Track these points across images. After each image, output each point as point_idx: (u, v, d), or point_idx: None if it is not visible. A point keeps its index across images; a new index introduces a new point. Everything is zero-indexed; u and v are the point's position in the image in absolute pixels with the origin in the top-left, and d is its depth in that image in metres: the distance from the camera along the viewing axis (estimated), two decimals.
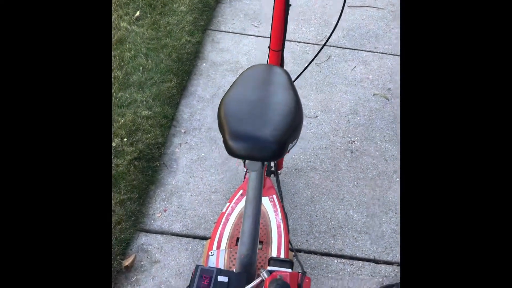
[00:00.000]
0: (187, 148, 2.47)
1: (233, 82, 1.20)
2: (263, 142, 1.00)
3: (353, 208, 2.24)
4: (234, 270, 1.53)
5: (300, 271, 1.36)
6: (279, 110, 1.05)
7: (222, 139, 1.04)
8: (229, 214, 1.79)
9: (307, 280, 1.33)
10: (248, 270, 1.48)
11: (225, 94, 1.14)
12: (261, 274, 1.36)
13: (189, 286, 1.38)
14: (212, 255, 1.61)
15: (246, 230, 1.42)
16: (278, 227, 1.75)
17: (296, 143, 1.11)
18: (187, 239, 2.05)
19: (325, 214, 2.20)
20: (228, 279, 1.38)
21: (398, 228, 2.15)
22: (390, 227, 2.15)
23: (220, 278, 1.38)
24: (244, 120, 1.02)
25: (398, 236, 2.11)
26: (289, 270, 1.36)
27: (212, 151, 2.47)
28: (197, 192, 2.26)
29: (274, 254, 1.66)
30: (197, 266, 1.43)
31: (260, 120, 1.01)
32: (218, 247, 1.66)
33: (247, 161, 1.05)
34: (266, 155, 1.00)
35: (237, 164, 2.37)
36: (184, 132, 2.56)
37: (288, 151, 1.08)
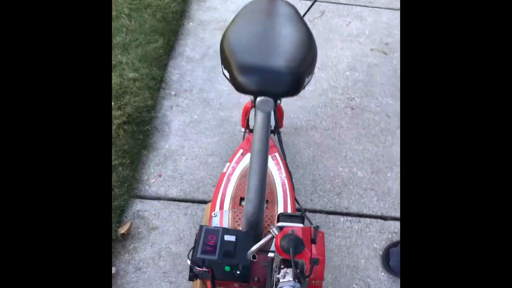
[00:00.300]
0: (179, 111, 2.36)
1: (234, 17, 1.08)
2: (278, 75, 0.89)
3: (357, 165, 2.17)
4: (240, 229, 1.45)
5: (312, 226, 1.29)
6: (292, 41, 0.94)
7: (228, 75, 0.94)
8: (230, 174, 1.70)
9: (320, 235, 1.25)
10: (256, 228, 1.41)
11: (227, 28, 1.02)
12: (271, 230, 1.28)
13: (193, 248, 1.30)
14: (215, 216, 1.53)
15: (252, 186, 1.33)
16: (283, 185, 1.67)
17: (311, 79, 1.01)
18: (186, 203, 1.96)
19: (328, 173, 2.12)
20: (236, 238, 1.30)
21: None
22: (396, 183, 2.09)
23: (227, 238, 1.30)
24: (253, 51, 0.91)
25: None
26: (301, 225, 1.29)
27: (206, 113, 2.36)
28: (192, 155, 2.16)
29: (281, 211, 1.58)
30: (201, 226, 1.34)
31: (272, 51, 0.90)
32: (221, 208, 1.57)
33: (258, 100, 0.95)
34: (281, 89, 0.90)
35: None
36: (175, 94, 2.44)
37: (304, 88, 0.98)
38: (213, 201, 1.60)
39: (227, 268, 1.26)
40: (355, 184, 2.08)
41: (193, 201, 1.98)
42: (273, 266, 1.28)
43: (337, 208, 1.98)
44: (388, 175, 2.13)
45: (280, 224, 1.28)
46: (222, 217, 1.53)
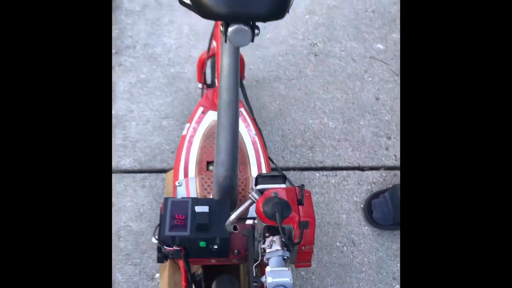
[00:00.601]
0: (122, 71, 2.09)
1: None
2: None
3: (327, 115, 2.03)
4: (211, 197, 1.27)
5: (295, 185, 1.13)
6: None
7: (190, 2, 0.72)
8: (192, 136, 1.50)
9: (307, 194, 1.10)
10: (230, 194, 1.23)
11: None
12: (250, 195, 1.11)
13: (159, 224, 1.11)
14: (180, 186, 1.34)
15: (222, 146, 1.14)
16: (254, 143, 1.50)
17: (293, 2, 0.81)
18: (142, 174, 1.75)
19: (297, 126, 1.97)
20: (209, 208, 1.12)
21: (378, 130, 1.98)
22: (370, 130, 1.98)
23: (199, 209, 1.12)
24: None
25: (380, 139, 1.95)
26: (283, 185, 1.13)
27: (154, 70, 2.11)
28: (144, 120, 1.92)
29: (254, 174, 1.41)
30: (166, 199, 1.15)
31: None
32: (186, 175, 1.38)
33: (230, 30, 0.75)
34: (261, 10, 0.70)
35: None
36: (116, 52, 2.15)
37: (288, 12, 0.79)
38: (176, 168, 1.41)
39: (202, 244, 1.09)
40: (327, 136, 1.95)
41: (150, 171, 1.77)
42: (255, 235, 1.12)
43: (311, 163, 1.84)
44: (361, 123, 2.01)
45: (260, 186, 1.11)
46: (188, 186, 1.34)
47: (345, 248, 1.60)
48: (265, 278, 0.98)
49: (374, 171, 1.84)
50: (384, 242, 1.63)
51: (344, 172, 1.82)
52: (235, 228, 1.06)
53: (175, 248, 1.08)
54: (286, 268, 1.00)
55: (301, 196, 1.09)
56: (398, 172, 1.84)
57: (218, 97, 1.09)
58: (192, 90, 2.04)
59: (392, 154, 1.90)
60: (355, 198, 1.74)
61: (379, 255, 1.60)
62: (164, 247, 1.08)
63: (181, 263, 1.17)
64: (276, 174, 1.15)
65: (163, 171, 1.77)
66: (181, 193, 1.31)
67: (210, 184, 1.34)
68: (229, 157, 1.16)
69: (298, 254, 1.08)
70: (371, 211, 1.66)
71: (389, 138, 1.96)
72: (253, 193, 1.10)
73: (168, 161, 1.80)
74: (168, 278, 1.44)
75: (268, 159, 1.48)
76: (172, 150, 1.83)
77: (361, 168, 1.85)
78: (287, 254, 1.03)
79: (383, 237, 1.64)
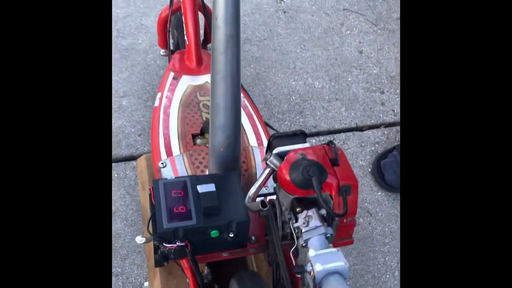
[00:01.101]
0: None
1: None
2: None
3: (311, 75, 1.81)
4: (208, 173, 1.01)
5: (323, 143, 0.90)
6: None
7: None
8: (167, 107, 1.22)
9: (340, 151, 0.87)
10: (233, 168, 0.98)
11: None
12: (268, 162, 0.86)
13: (152, 217, 0.84)
14: (164, 167, 1.07)
15: (220, 103, 0.89)
16: (245, 107, 1.25)
17: None
18: None
19: (280, 90, 1.74)
20: (216, 185, 0.87)
21: (369, 86, 1.79)
22: (360, 86, 1.78)
23: (202, 188, 0.86)
24: None
25: (374, 94, 1.76)
26: (306, 144, 0.89)
27: None
28: None
29: (253, 143, 1.16)
30: (155, 182, 0.88)
31: None
32: (169, 153, 1.11)
33: None
34: None
35: None
36: None
37: None
38: (155, 147, 1.13)
39: (214, 233, 0.83)
40: (315, 97, 1.73)
41: (117, 160, 1.47)
42: (278, 214, 0.88)
43: (305, 129, 1.62)
44: (349, 79, 1.81)
45: (278, 149, 0.87)
46: (175, 165, 1.07)
47: (361, 219, 1.40)
48: (310, 265, 0.74)
49: (374, 130, 1.65)
50: (394, 210, 1.44)
51: (342, 135, 1.61)
52: (263, 204, 0.81)
53: (178, 244, 0.81)
54: (335, 249, 0.77)
55: (335, 155, 0.86)
56: (399, 128, 1.66)
57: (212, 34, 0.83)
58: (151, 62, 1.75)
59: (389, 109, 1.72)
60: (361, 162, 1.54)
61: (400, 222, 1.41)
62: (164, 244, 0.81)
63: (184, 263, 0.91)
64: (295, 131, 0.91)
65: (132, 158, 1.47)
66: (167, 175, 1.04)
67: (202, 160, 1.08)
68: (231, 118, 0.91)
69: (339, 229, 0.86)
70: (382, 173, 1.47)
71: (382, 92, 1.77)
72: (272, 159, 0.86)
73: (136, 145, 1.51)
74: (161, 285, 1.17)
75: (265, 124, 1.24)
76: (139, 133, 1.54)
77: (360, 128, 1.65)
78: (330, 230, 0.80)
79: (399, 200, 1.45)
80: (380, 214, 1.42)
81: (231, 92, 0.87)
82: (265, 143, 1.17)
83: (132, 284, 1.22)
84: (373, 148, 1.59)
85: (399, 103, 1.73)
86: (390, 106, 1.73)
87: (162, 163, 1.07)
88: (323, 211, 0.82)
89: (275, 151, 0.87)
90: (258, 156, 1.12)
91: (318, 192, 0.76)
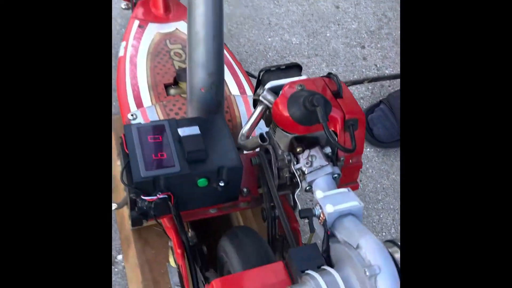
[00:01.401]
0: None
1: None
2: None
3: (287, 31, 1.69)
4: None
5: (322, 76, 0.79)
6: None
7: None
8: (134, 56, 1.08)
9: (342, 83, 0.76)
10: (218, 111, 0.86)
11: None
12: (261, 97, 0.75)
13: (126, 166, 0.71)
14: (135, 119, 0.93)
15: (201, 37, 0.76)
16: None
17: None
18: None
19: (256, 47, 1.61)
20: (200, 129, 0.74)
21: (349, 41, 1.69)
22: (340, 41, 1.68)
23: (185, 131, 0.73)
24: None
25: (354, 49, 1.67)
26: (303, 76, 0.78)
27: None
28: None
29: (234, 92, 1.04)
30: (127, 127, 0.75)
31: None
32: (139, 105, 0.97)
33: None
34: None
35: None
36: None
37: None
38: (122, 101, 0.99)
39: (202, 183, 0.71)
40: (294, 53, 1.62)
41: None
42: (273, 160, 0.76)
43: None
44: (328, 35, 1.70)
45: (271, 84, 0.75)
46: (147, 117, 0.93)
47: None
48: (320, 208, 0.64)
49: (358, 85, 1.56)
50: (393, 162, 1.36)
51: None
52: (262, 138, 0.69)
53: (159, 196, 0.69)
54: (345, 189, 0.66)
55: (338, 86, 0.75)
56: (384, 83, 1.58)
57: None
58: (114, 14, 1.58)
59: (371, 64, 1.63)
60: None
61: (392, 178, 1.33)
62: (142, 198, 0.68)
63: (165, 223, 0.79)
64: (288, 64, 0.80)
65: None
66: None
67: (178, 111, 0.95)
68: (213, 51, 0.78)
69: (343, 171, 0.75)
70: (370, 128, 1.38)
71: (363, 47, 1.68)
72: (265, 94, 0.74)
73: None
74: (137, 256, 1.04)
75: (247, 73, 1.12)
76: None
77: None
78: (337, 170, 0.70)
79: (390, 156, 1.38)
80: (370, 170, 1.34)
81: (213, 17, 0.75)
82: (248, 92, 1.06)
83: None
84: (360, 102, 1.50)
85: (381, 57, 1.65)
86: (372, 61, 1.64)
87: (132, 115, 0.93)
88: (328, 150, 0.72)
89: (268, 85, 0.75)
90: (241, 105, 1.00)
91: (324, 124, 0.65)
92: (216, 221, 1.01)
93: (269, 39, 1.65)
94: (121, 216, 1.11)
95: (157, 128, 0.74)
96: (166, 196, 0.69)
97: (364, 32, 1.74)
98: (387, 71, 1.64)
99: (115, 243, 1.11)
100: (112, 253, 1.10)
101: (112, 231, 1.12)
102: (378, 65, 1.63)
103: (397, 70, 1.63)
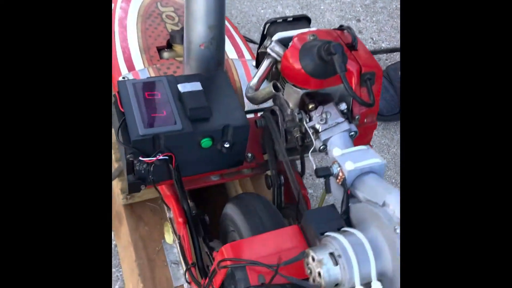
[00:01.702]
0: None
1: None
2: None
3: (280, 3, 1.63)
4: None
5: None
6: None
7: None
8: (123, 19, 1.01)
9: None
10: (217, 67, 0.79)
11: None
12: (269, 49, 0.68)
13: (122, 124, 0.64)
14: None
15: None
16: None
17: None
18: None
19: (248, 18, 1.55)
20: (201, 84, 0.68)
21: (344, 14, 1.64)
22: (334, 14, 1.63)
23: (185, 87, 0.67)
24: None
25: (349, 23, 1.61)
26: (313, 28, 0.72)
27: None
28: None
29: (233, 56, 0.98)
30: (120, 82, 0.68)
31: None
32: (131, 68, 0.90)
33: None
34: None
35: None
36: None
37: None
38: (112, 65, 0.92)
39: (206, 143, 0.65)
40: None
41: None
42: (280, 121, 0.71)
43: None
44: (322, 7, 1.65)
45: (279, 35, 0.69)
46: (139, 78, 0.86)
47: None
48: (339, 165, 0.58)
49: None
50: (393, 136, 1.32)
51: None
52: (276, 86, 0.63)
53: (159, 157, 0.62)
54: (364, 146, 0.61)
55: (353, 38, 0.69)
56: (382, 56, 1.54)
57: None
58: None
59: (367, 37, 1.58)
60: None
61: (392, 151, 1.29)
62: (140, 159, 0.62)
63: (164, 190, 0.72)
64: (296, 16, 0.74)
65: None
66: None
67: (172, 74, 0.88)
68: (214, 3, 0.71)
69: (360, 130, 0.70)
70: None
71: (358, 20, 1.63)
72: (274, 46, 0.68)
73: None
74: (130, 234, 0.97)
75: (244, 38, 1.05)
76: None
77: None
78: (354, 127, 0.65)
79: (390, 129, 1.33)
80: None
81: None
82: (247, 55, 0.99)
83: None
84: None
85: (377, 31, 1.60)
86: (368, 34, 1.59)
87: (123, 78, 0.86)
88: (343, 106, 0.66)
89: (276, 37, 0.69)
90: (240, 69, 0.94)
91: (342, 74, 0.59)
92: (212, 193, 0.95)
93: (262, 11, 1.59)
94: (111, 191, 1.04)
95: (154, 84, 0.67)
96: (166, 157, 0.63)
97: (359, 5, 1.69)
98: (383, 45, 1.59)
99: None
100: None
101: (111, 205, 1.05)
102: (374, 39, 1.58)
103: (393, 43, 1.59)
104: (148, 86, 0.67)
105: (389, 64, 1.46)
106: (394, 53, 1.55)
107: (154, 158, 0.62)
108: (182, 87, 0.66)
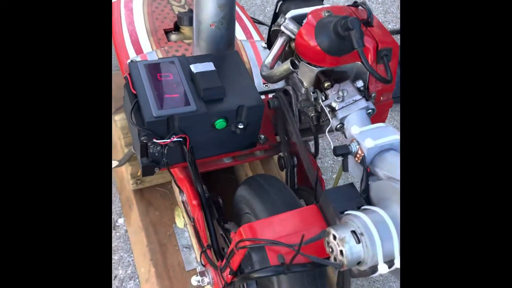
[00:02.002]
0: None
1: None
2: None
3: None
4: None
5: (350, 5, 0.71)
6: None
7: None
8: (129, 1, 0.99)
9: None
10: (227, 48, 0.78)
11: None
12: (283, 26, 0.67)
13: (134, 106, 0.63)
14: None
15: None
16: None
17: None
18: None
19: (253, 1, 1.54)
20: (214, 64, 0.67)
21: None
22: None
23: (198, 68, 0.65)
24: None
25: None
26: (326, 4, 0.70)
27: None
28: None
29: (242, 37, 0.96)
30: (131, 64, 0.67)
31: None
32: (139, 51, 0.89)
33: None
34: None
35: None
36: None
37: None
38: (119, 47, 0.91)
39: (220, 124, 0.64)
40: None
41: None
42: (294, 102, 0.69)
43: None
44: None
45: (293, 13, 0.68)
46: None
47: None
48: (358, 143, 0.57)
49: None
50: (392, 122, 1.31)
51: None
52: (294, 64, 0.62)
53: (173, 139, 0.61)
54: (383, 124, 0.60)
55: (368, 14, 0.68)
56: None
57: None
58: None
59: None
60: None
61: None
62: (154, 140, 0.61)
63: (177, 173, 0.72)
64: None
65: None
66: None
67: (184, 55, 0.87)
68: None
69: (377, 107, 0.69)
70: None
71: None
72: (288, 23, 0.67)
73: None
74: (140, 219, 0.97)
75: (252, 19, 1.04)
76: None
77: None
78: (371, 105, 0.64)
79: (392, 112, 1.32)
80: None
81: None
82: (255, 37, 0.98)
83: None
84: None
85: (383, 12, 1.58)
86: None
87: (132, 61, 0.84)
88: (359, 84, 0.65)
89: (289, 14, 0.68)
90: (250, 50, 0.92)
91: (360, 50, 0.58)
92: (219, 177, 0.95)
93: None
94: (120, 177, 1.03)
95: (167, 65, 0.66)
96: (180, 139, 0.62)
97: None
98: (389, 26, 1.57)
99: (115, 206, 1.04)
100: (113, 216, 1.02)
101: (112, 194, 1.04)
102: (380, 20, 1.56)
103: (399, 25, 1.57)
104: (160, 67, 0.66)
105: None
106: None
107: (169, 140, 0.61)
108: (195, 68, 0.65)
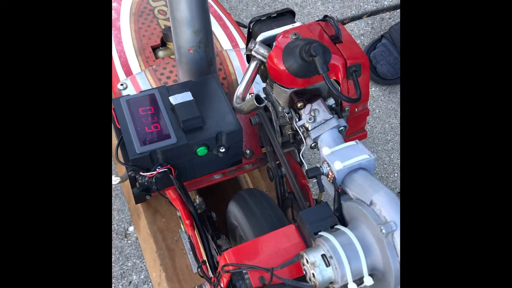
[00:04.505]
0: None
1: None
2: None
3: None
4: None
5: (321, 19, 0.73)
6: None
7: None
8: (117, 20, 1.02)
9: (340, 26, 0.71)
10: (210, 70, 0.81)
11: None
12: (253, 52, 0.69)
13: (120, 143, 0.68)
14: (125, 89, 0.89)
15: None
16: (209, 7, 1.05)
17: None
18: None
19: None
20: (192, 94, 0.70)
21: None
22: None
23: (177, 99, 0.69)
24: None
25: None
26: (297, 23, 0.72)
27: None
28: None
29: (226, 46, 0.98)
30: (115, 100, 0.71)
31: None
32: (128, 73, 0.92)
33: None
34: None
35: None
36: None
37: None
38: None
39: (202, 151, 0.68)
40: None
41: None
42: (274, 118, 0.73)
43: None
44: None
45: (263, 36, 0.70)
46: (138, 85, 0.89)
47: None
48: (327, 165, 0.61)
49: (357, 21, 1.48)
50: (392, 104, 1.31)
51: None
52: (259, 99, 0.65)
53: (159, 170, 0.66)
54: (353, 142, 0.63)
55: (336, 30, 0.69)
56: (384, 16, 1.50)
57: None
58: None
59: None
60: None
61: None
62: (141, 174, 0.66)
63: (170, 194, 0.77)
64: (279, 11, 0.74)
65: None
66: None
67: (169, 75, 0.91)
68: (197, 6, 0.72)
69: (349, 121, 0.72)
70: (374, 66, 1.33)
71: None
72: (258, 48, 0.69)
73: None
74: (148, 227, 1.03)
75: (237, 24, 1.05)
76: None
77: (341, 22, 1.47)
78: (343, 122, 0.66)
79: (397, 93, 1.33)
80: (377, 111, 1.30)
81: None
82: (241, 44, 1.00)
83: (115, 232, 1.08)
84: (359, 41, 1.43)
85: None
86: None
87: (121, 85, 0.89)
88: (331, 101, 0.68)
89: (260, 38, 0.70)
90: (235, 60, 0.95)
91: (324, 75, 0.60)
92: (224, 184, 0.99)
93: None
94: (127, 188, 1.09)
95: (147, 99, 0.70)
96: (166, 169, 0.66)
97: None
98: (386, 3, 1.55)
99: (125, 215, 1.11)
100: (123, 225, 1.09)
101: (121, 204, 1.11)
102: None
103: (396, 0, 1.54)
104: (142, 101, 0.69)
105: (393, 24, 1.43)
106: (398, 11, 1.52)
107: (154, 172, 0.66)
108: (174, 99, 0.68)
